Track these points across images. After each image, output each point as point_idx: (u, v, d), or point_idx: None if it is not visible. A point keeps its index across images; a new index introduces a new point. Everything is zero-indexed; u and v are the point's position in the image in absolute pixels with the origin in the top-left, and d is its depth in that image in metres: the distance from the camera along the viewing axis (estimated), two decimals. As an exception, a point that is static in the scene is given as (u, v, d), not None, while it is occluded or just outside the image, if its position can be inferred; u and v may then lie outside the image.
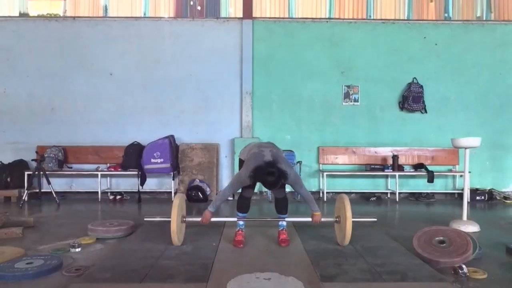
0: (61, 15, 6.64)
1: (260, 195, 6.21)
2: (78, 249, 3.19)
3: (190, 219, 3.42)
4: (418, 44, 6.47)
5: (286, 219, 3.43)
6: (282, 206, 3.40)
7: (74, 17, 6.50)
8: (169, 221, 3.10)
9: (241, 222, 3.39)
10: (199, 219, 3.26)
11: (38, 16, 6.60)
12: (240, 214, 3.41)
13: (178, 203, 3.16)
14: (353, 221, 3.10)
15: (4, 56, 6.36)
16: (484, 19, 6.73)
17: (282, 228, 3.41)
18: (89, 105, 6.38)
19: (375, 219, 3.58)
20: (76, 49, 6.38)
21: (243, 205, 3.39)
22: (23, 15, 6.60)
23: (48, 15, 6.62)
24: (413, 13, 6.72)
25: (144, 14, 6.65)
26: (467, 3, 6.79)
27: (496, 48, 6.47)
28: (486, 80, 6.45)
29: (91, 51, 6.38)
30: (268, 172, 2.83)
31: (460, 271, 2.58)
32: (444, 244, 2.94)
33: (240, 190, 3.37)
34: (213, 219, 3.29)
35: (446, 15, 6.76)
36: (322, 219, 3.35)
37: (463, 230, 3.42)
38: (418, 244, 3.00)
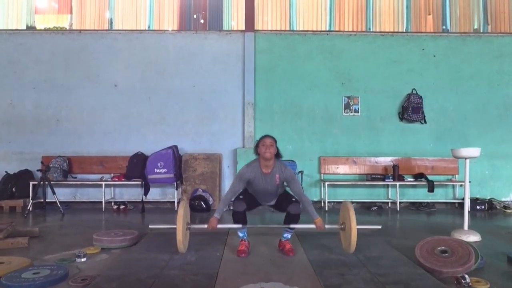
0: (68, 28, 6.77)
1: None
2: (83, 259, 3.23)
3: (195, 226, 3.46)
4: (417, 56, 6.58)
5: (291, 225, 3.40)
6: (291, 221, 3.35)
7: (80, 30, 6.64)
8: (174, 229, 3.12)
9: (241, 235, 3.40)
10: (205, 226, 3.29)
11: (45, 30, 6.73)
12: (239, 228, 3.39)
13: (182, 212, 3.19)
14: (358, 229, 3.11)
15: (11, 68, 6.48)
16: (481, 31, 6.84)
17: (286, 239, 3.45)
18: (94, 116, 6.48)
19: (380, 227, 3.59)
20: (82, 61, 6.50)
21: (238, 218, 3.33)
22: (30, 28, 6.73)
23: (55, 28, 6.75)
24: (411, 25, 6.84)
25: (149, 27, 6.78)
26: (465, 15, 6.91)
27: (493, 60, 6.57)
28: (484, 91, 6.55)
29: (97, 63, 6.51)
30: (267, 136, 3.30)
31: (463, 281, 2.60)
32: (446, 254, 2.97)
33: (231, 207, 3.41)
34: (219, 226, 3.31)
35: (444, 27, 6.87)
36: (327, 226, 3.38)
37: (465, 240, 3.47)
38: (420, 254, 3.03)
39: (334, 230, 3.51)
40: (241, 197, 3.37)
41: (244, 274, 2.81)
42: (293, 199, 3.35)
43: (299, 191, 3.37)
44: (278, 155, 3.32)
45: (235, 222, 3.37)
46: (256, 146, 3.34)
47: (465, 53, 6.58)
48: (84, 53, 6.51)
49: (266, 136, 3.33)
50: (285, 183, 3.41)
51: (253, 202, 3.47)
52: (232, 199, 3.40)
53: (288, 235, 3.45)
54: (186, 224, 3.31)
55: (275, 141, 3.31)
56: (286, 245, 3.40)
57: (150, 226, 3.61)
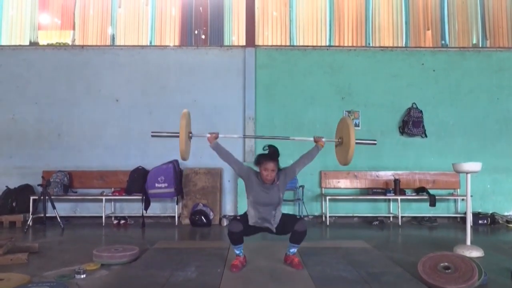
0: (70, 44, 6.86)
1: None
2: (83, 276, 3.20)
3: (197, 135, 3.47)
4: (416, 71, 6.64)
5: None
6: (299, 239, 3.32)
7: (82, 46, 6.73)
8: (177, 140, 3.20)
9: (237, 252, 3.35)
10: (206, 135, 3.36)
11: (48, 45, 6.82)
12: (234, 246, 3.34)
13: (185, 122, 3.27)
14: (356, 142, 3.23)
15: (13, 83, 6.54)
16: (480, 46, 6.91)
17: (293, 253, 3.42)
18: (95, 131, 6.51)
19: (375, 142, 3.74)
20: (84, 77, 6.57)
21: (233, 238, 3.28)
22: (33, 44, 6.82)
23: (58, 44, 6.84)
24: (410, 40, 6.92)
25: (150, 42, 6.87)
26: (463, 30, 7.00)
27: (492, 74, 6.63)
28: (484, 105, 6.58)
29: (98, 78, 6.57)
30: (270, 159, 3.16)
31: (466, 298, 2.58)
32: (450, 270, 2.94)
33: (228, 224, 3.39)
34: (220, 136, 3.40)
35: (443, 42, 6.95)
36: (323, 139, 3.43)
37: (468, 256, 3.44)
38: (423, 270, 3.00)
39: (331, 142, 3.59)
40: (238, 217, 3.33)
41: (245, 291, 2.78)
42: (298, 217, 3.36)
43: (297, 160, 3.39)
44: (278, 169, 3.28)
45: (231, 242, 3.32)
46: (257, 163, 3.25)
47: (465, 67, 6.64)
48: (86, 68, 6.59)
49: (268, 159, 3.17)
50: (287, 180, 3.37)
51: (251, 228, 3.35)
52: (233, 162, 3.37)
53: (294, 250, 3.42)
54: (188, 133, 3.37)
55: (277, 160, 3.20)
56: (295, 259, 3.37)
57: (151, 133, 3.54)
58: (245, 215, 3.40)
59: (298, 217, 3.36)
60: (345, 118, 3.53)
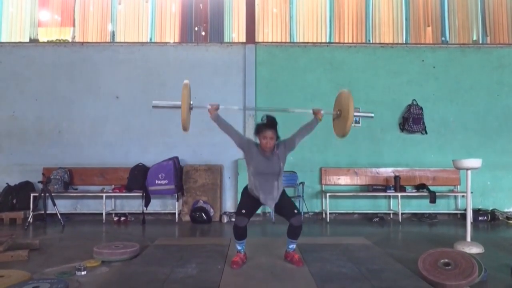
0: (70, 40, 6.84)
1: (263, 216, 6.23)
2: (83, 272, 3.21)
3: (198, 106, 3.49)
4: (416, 67, 6.62)
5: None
6: (295, 233, 3.36)
7: (82, 43, 6.71)
8: (179, 109, 3.27)
9: (239, 247, 3.38)
10: (206, 106, 3.43)
11: (48, 42, 6.81)
12: (237, 242, 3.37)
13: (187, 92, 3.30)
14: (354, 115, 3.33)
15: (14, 80, 6.53)
16: (480, 42, 6.89)
17: (293, 250, 3.43)
18: (95, 128, 6.50)
19: (372, 114, 3.88)
20: (84, 74, 6.56)
21: (238, 233, 3.33)
22: (33, 41, 6.80)
23: (57, 41, 6.82)
24: (411, 37, 6.90)
25: (150, 39, 6.85)
26: (464, 27, 6.98)
27: (493, 71, 6.61)
28: (484, 101, 6.57)
29: (98, 75, 6.56)
30: (266, 116, 3.24)
31: (467, 294, 2.59)
32: (450, 267, 2.95)
33: (234, 219, 3.42)
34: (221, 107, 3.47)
35: (443, 38, 6.93)
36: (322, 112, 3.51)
37: (468, 252, 3.45)
38: (423, 266, 3.01)
39: (329, 114, 3.67)
40: (243, 211, 3.32)
41: (246, 288, 2.78)
42: (295, 211, 3.33)
43: (296, 132, 3.44)
44: (276, 138, 3.31)
45: (236, 237, 3.35)
46: (256, 132, 3.29)
47: (465, 64, 6.63)
48: (86, 65, 6.57)
49: (267, 127, 3.22)
50: (287, 151, 3.39)
51: (254, 204, 3.37)
52: (233, 132, 3.41)
53: (293, 246, 3.43)
54: (189, 105, 3.40)
55: (276, 128, 3.25)
56: (295, 256, 3.39)
57: (153, 102, 3.53)
58: (245, 192, 3.43)
59: (295, 209, 3.35)
60: (343, 91, 3.56)
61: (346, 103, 3.41)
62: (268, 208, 3.43)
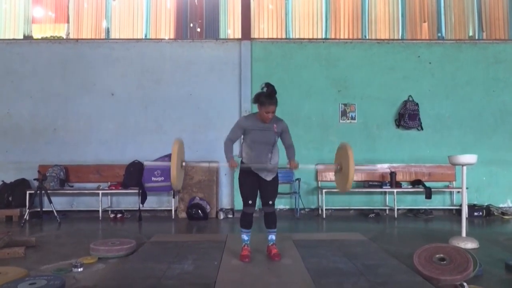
0: (64, 37, 6.79)
1: (260, 212, 6.23)
2: (80, 269, 3.21)
3: (193, 163, 3.50)
4: (412, 63, 6.63)
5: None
6: (271, 221, 3.52)
7: (77, 40, 6.67)
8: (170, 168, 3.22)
9: (246, 238, 3.47)
10: (199, 164, 3.43)
11: (42, 39, 6.74)
12: (244, 230, 3.48)
13: (177, 148, 3.29)
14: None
15: (8, 78, 6.48)
16: (476, 38, 6.91)
17: (272, 243, 3.51)
18: (91, 125, 6.47)
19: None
20: (79, 71, 6.52)
21: (246, 221, 3.48)
22: (27, 38, 6.74)
23: (52, 38, 6.77)
24: (407, 33, 6.90)
25: (145, 36, 6.81)
26: (460, 22, 6.98)
27: (488, 66, 6.63)
28: (480, 97, 6.59)
29: (93, 72, 6.52)
30: (268, 86, 3.23)
31: (461, 289, 2.60)
32: (445, 262, 2.96)
33: (241, 207, 3.51)
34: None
35: (439, 34, 6.94)
36: (322, 167, 3.52)
37: (463, 247, 3.47)
38: (418, 261, 3.02)
39: (330, 169, 3.67)
40: (250, 202, 3.44)
41: (242, 283, 2.80)
42: (270, 202, 3.49)
43: (290, 142, 3.55)
44: None
45: (245, 225, 3.47)
46: (258, 102, 3.29)
47: (461, 60, 6.64)
48: (81, 62, 6.53)
49: (271, 101, 3.25)
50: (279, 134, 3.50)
51: (254, 189, 3.47)
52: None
53: (272, 236, 3.53)
54: (181, 162, 3.40)
55: (276, 99, 3.29)
56: (272, 250, 3.46)
57: (145, 163, 3.58)
58: (242, 178, 3.49)
59: (271, 200, 3.48)
60: (343, 144, 3.49)
61: (346, 158, 3.32)
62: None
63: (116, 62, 6.54)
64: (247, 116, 3.52)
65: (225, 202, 6.45)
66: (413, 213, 6.32)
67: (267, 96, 3.25)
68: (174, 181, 3.26)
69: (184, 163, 3.48)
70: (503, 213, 6.16)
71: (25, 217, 5.53)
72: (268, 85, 3.28)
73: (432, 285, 2.72)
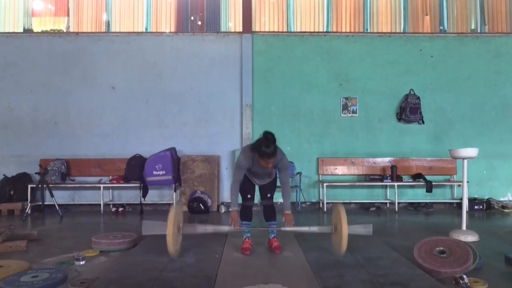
0: (65, 31, 6.76)
1: (261, 206, 6.24)
2: (82, 262, 3.23)
3: (189, 232, 3.36)
4: (414, 57, 6.60)
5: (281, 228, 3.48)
6: (270, 214, 3.57)
7: (77, 33, 6.63)
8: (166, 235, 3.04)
9: (246, 230, 3.51)
10: (199, 230, 3.37)
11: (42, 32, 6.71)
12: (244, 222, 3.51)
13: (173, 215, 3.14)
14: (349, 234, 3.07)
15: (8, 71, 6.47)
16: (479, 31, 6.86)
17: (273, 236, 3.54)
18: (91, 119, 6.47)
19: (370, 230, 3.30)
20: (79, 64, 6.50)
21: (246, 213, 3.54)
22: (27, 31, 6.72)
23: (52, 31, 6.74)
24: (408, 26, 6.86)
25: (146, 29, 6.78)
26: (462, 16, 6.94)
27: (490, 60, 6.59)
28: (482, 91, 6.57)
29: (94, 66, 6.50)
30: (267, 139, 3.11)
31: (461, 281, 2.59)
32: (445, 254, 2.98)
33: (241, 201, 3.55)
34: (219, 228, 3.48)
35: (441, 28, 6.89)
36: (320, 228, 3.44)
37: (463, 240, 3.48)
38: (418, 254, 3.04)
39: (325, 231, 3.42)
40: (249, 196, 3.50)
41: (243, 276, 2.81)
42: (269, 195, 3.55)
43: (286, 180, 3.43)
44: None
45: (245, 217, 3.52)
46: (257, 152, 3.16)
47: (462, 53, 6.61)
48: (82, 56, 6.51)
49: (270, 156, 3.11)
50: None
51: (252, 184, 3.55)
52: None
53: (273, 231, 3.56)
54: (178, 229, 3.26)
55: (276, 151, 3.15)
56: (273, 243, 3.49)
57: (143, 231, 3.46)
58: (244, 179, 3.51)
59: (270, 194, 3.55)
60: (336, 205, 3.33)
61: (339, 219, 3.18)
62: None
63: (116, 56, 6.52)
64: (245, 155, 3.31)
65: (226, 196, 6.46)
66: (414, 207, 6.33)
67: (267, 153, 3.10)
68: (170, 247, 3.04)
69: (181, 225, 3.34)
70: (503, 207, 6.17)
71: (26, 211, 5.55)
72: (268, 137, 3.12)
73: (432, 277, 2.73)
